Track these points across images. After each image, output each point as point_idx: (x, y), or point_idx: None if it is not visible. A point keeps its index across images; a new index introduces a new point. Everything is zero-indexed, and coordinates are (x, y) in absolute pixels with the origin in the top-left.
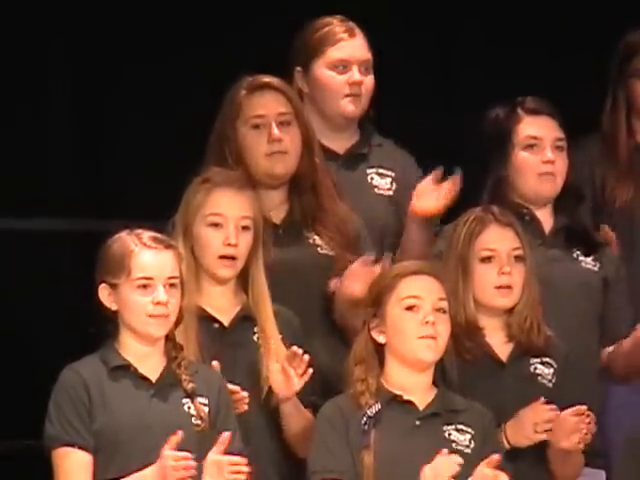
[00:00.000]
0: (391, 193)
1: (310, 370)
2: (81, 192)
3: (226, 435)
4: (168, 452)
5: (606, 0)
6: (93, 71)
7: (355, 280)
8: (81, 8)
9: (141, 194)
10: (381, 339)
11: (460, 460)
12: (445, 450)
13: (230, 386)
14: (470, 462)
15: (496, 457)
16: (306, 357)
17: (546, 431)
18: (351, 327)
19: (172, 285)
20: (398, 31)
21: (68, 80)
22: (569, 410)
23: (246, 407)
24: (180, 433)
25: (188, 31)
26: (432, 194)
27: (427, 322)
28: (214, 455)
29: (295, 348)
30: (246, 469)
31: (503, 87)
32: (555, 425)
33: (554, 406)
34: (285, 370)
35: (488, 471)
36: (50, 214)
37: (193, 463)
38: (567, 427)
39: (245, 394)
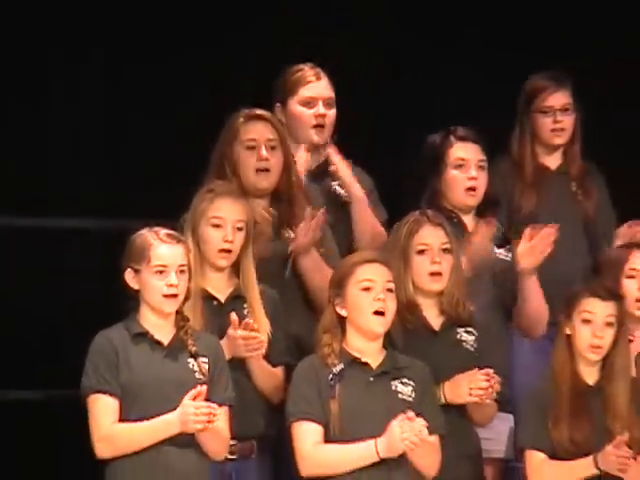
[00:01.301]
0: (350, 200)
1: (264, 339)
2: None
3: (202, 389)
4: (188, 402)
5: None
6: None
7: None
8: (83, 11)
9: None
10: (343, 313)
11: (424, 422)
12: (411, 413)
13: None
14: (412, 408)
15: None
16: (256, 326)
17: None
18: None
19: (182, 271)
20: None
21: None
22: (481, 372)
23: (263, 350)
24: (204, 387)
25: (188, 31)
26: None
27: (379, 299)
28: (188, 401)
29: (248, 320)
30: (217, 412)
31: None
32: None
33: (488, 370)
34: (247, 337)
35: (421, 422)
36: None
37: (210, 411)
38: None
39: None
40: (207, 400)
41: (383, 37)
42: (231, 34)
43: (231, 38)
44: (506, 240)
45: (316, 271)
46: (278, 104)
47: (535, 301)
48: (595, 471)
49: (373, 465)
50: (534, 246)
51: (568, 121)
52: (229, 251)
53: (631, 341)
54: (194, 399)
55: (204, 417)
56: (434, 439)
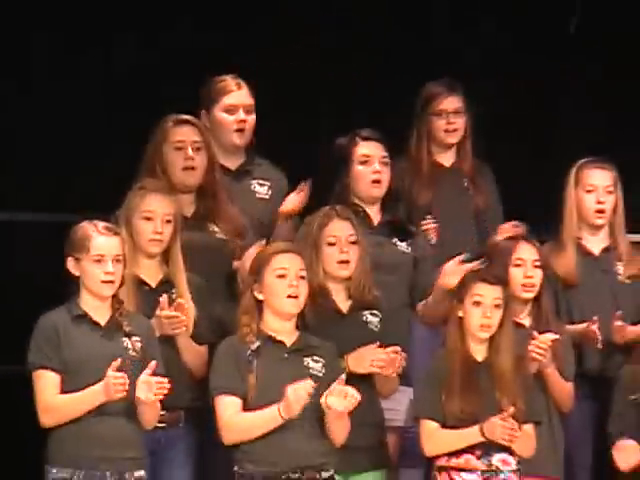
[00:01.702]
0: (267, 197)
1: (191, 320)
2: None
3: (153, 363)
4: (110, 373)
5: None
6: None
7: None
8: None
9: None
10: (260, 297)
11: (312, 383)
12: (308, 380)
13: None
14: (322, 382)
15: (343, 377)
16: (186, 306)
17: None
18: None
19: (117, 260)
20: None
21: None
22: (389, 349)
23: (184, 329)
24: (119, 360)
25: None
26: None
27: (292, 285)
28: (145, 377)
29: (182, 301)
30: (167, 386)
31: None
32: (381, 359)
33: (387, 349)
34: (170, 316)
35: (340, 387)
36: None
37: (127, 381)
38: (387, 360)
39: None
40: (137, 376)
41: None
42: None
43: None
44: (407, 234)
45: (186, 346)
46: (204, 111)
47: (443, 307)
48: (481, 439)
49: (287, 429)
50: (460, 270)
51: (460, 122)
52: (159, 240)
53: (518, 324)
54: (152, 374)
55: (121, 387)
56: (346, 407)
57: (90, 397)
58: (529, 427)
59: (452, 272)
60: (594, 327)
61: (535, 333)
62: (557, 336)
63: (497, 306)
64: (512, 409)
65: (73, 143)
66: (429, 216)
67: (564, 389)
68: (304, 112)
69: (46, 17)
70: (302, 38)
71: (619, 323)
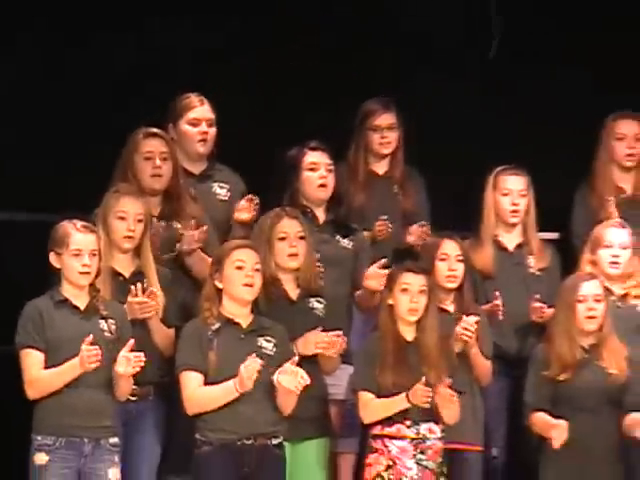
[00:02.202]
0: (227, 198)
1: (160, 306)
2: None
3: (131, 342)
4: (84, 347)
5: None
6: None
7: (372, 278)
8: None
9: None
10: (220, 285)
11: (259, 361)
12: (254, 354)
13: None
14: (273, 360)
15: (295, 359)
16: (158, 293)
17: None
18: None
19: (93, 254)
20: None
21: None
22: (331, 333)
23: (154, 313)
24: (91, 336)
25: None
26: (377, 276)
27: (248, 275)
28: (124, 353)
29: (154, 289)
30: (143, 360)
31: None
32: (324, 342)
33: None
34: (141, 302)
35: (292, 367)
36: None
37: (99, 353)
38: (329, 342)
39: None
40: (112, 353)
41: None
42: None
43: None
44: (349, 231)
45: (197, 260)
46: (171, 124)
47: (372, 299)
48: (408, 405)
49: (242, 401)
50: (379, 274)
51: (393, 137)
52: (132, 237)
53: (443, 309)
54: (130, 350)
55: (94, 359)
56: (297, 387)
57: (69, 370)
58: (449, 393)
59: (373, 276)
60: (497, 302)
61: (464, 317)
62: (478, 318)
63: (422, 292)
64: (449, 380)
65: (62, 147)
66: (383, 216)
67: (485, 366)
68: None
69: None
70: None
71: (537, 304)
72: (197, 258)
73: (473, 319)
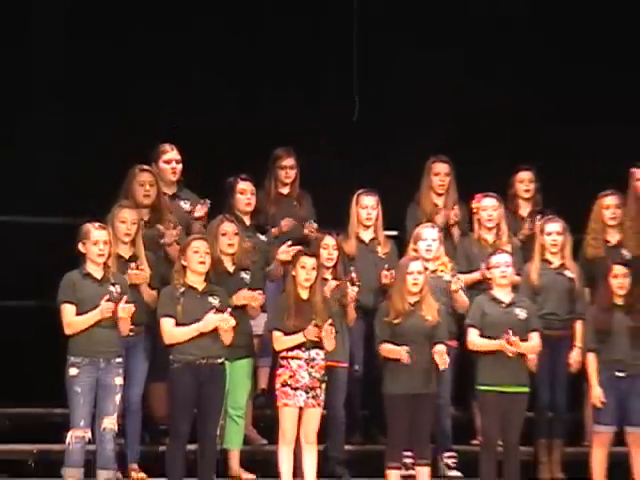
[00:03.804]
0: (189, 210)
1: (147, 276)
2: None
3: (125, 297)
4: (103, 303)
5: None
6: None
7: (283, 253)
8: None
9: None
10: (184, 263)
11: (234, 321)
12: (214, 311)
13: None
14: (219, 310)
15: (229, 309)
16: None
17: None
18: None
19: (105, 243)
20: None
21: None
22: (255, 292)
23: (143, 281)
24: (106, 296)
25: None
26: (286, 252)
27: (202, 257)
28: (124, 304)
29: (142, 267)
30: (133, 310)
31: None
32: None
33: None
34: (137, 274)
35: (227, 316)
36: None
37: (112, 306)
38: (252, 297)
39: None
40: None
41: None
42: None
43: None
44: (265, 232)
45: (173, 249)
46: (153, 163)
47: (281, 271)
48: (303, 339)
49: (200, 337)
50: (287, 250)
51: (293, 172)
52: (129, 235)
53: (324, 279)
54: (126, 303)
55: (108, 309)
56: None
57: (92, 317)
58: (331, 329)
59: (284, 252)
60: (353, 275)
61: (349, 285)
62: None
63: (313, 268)
64: (330, 321)
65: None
66: (289, 218)
67: (352, 314)
68: None
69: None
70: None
71: (386, 273)
72: (173, 248)
73: (350, 286)
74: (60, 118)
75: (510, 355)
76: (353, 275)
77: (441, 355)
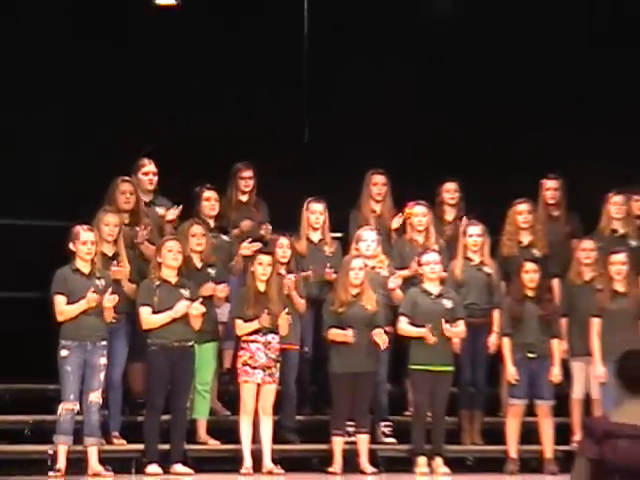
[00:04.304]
0: (163, 212)
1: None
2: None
3: (110, 289)
4: (89, 294)
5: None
6: None
7: (244, 249)
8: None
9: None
10: (160, 260)
11: (187, 303)
12: (183, 299)
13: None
14: (189, 300)
15: (200, 299)
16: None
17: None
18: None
19: (92, 243)
20: None
21: None
22: (220, 285)
23: (123, 276)
24: (92, 288)
25: None
26: (246, 248)
27: (175, 255)
28: (108, 296)
29: (122, 263)
30: (117, 300)
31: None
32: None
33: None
34: (118, 271)
35: (197, 305)
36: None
37: (97, 297)
38: (218, 289)
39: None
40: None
41: None
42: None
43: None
44: (227, 232)
45: (147, 248)
46: (133, 174)
47: (241, 265)
48: (258, 325)
49: (173, 322)
50: (249, 247)
51: (251, 182)
52: (112, 235)
53: (279, 273)
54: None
55: (94, 300)
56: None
57: (80, 306)
58: (285, 317)
59: (245, 247)
60: (310, 272)
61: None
62: (299, 278)
63: (269, 265)
64: (286, 310)
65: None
66: (248, 220)
67: (301, 303)
68: None
69: None
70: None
71: (329, 270)
72: (144, 246)
73: (301, 277)
74: (60, 118)
75: (431, 343)
76: (310, 272)
77: (380, 336)
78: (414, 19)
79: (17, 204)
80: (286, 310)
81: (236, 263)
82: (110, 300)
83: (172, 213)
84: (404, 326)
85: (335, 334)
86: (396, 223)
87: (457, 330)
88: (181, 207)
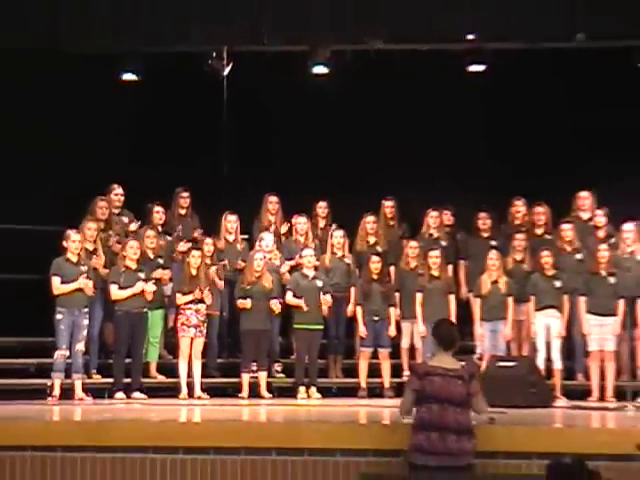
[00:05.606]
0: (127, 221)
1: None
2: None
3: (86, 277)
4: (80, 279)
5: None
6: None
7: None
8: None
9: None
10: (125, 254)
11: (154, 287)
12: (141, 281)
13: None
14: (144, 281)
15: (153, 280)
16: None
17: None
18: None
19: (79, 241)
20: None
21: None
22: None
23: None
24: (84, 275)
25: None
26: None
27: (135, 250)
28: (83, 279)
29: (100, 256)
30: (93, 279)
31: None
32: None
33: None
34: (96, 262)
35: (150, 285)
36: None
37: (87, 281)
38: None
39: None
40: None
41: None
42: None
43: None
44: (171, 235)
45: (115, 246)
46: (108, 194)
47: (180, 258)
48: (192, 298)
49: (134, 295)
50: (184, 246)
51: (188, 201)
52: (92, 237)
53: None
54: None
55: (84, 281)
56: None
57: (73, 286)
58: (209, 293)
59: (181, 246)
60: (226, 262)
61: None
62: (220, 267)
63: (199, 257)
64: (208, 288)
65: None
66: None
67: (220, 283)
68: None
69: None
70: None
71: (241, 262)
72: (114, 245)
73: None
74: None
75: (305, 310)
76: (226, 262)
77: (275, 305)
78: None
79: (27, 213)
80: (208, 288)
81: (176, 255)
82: (89, 283)
83: (134, 226)
84: (290, 298)
85: (242, 303)
86: (284, 229)
87: (326, 299)
88: (140, 222)
